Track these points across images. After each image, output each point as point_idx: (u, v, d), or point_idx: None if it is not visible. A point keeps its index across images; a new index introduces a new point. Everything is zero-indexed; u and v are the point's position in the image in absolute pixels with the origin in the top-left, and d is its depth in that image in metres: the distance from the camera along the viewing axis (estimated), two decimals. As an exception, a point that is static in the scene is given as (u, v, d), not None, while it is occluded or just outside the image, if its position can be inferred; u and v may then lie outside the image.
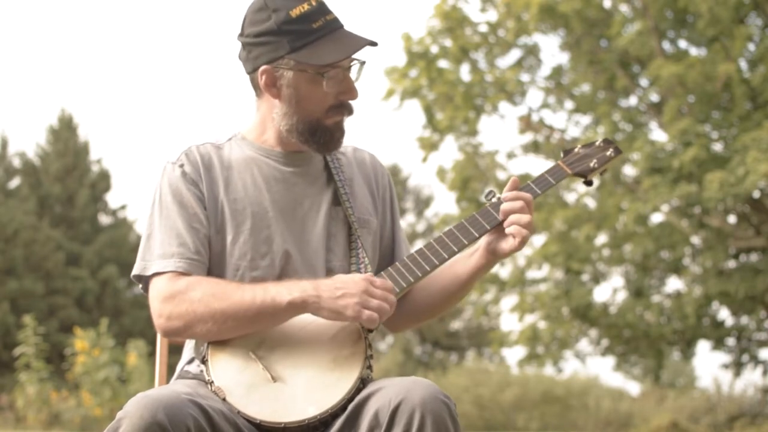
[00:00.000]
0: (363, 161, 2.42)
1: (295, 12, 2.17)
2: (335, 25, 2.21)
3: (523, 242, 2.22)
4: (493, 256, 2.28)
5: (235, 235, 2.21)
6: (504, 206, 2.25)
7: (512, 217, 2.23)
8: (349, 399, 2.03)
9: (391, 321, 2.42)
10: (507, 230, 2.23)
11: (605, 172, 2.41)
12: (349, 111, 2.25)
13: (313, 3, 2.20)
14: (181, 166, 2.24)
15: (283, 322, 2.13)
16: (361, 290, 2.06)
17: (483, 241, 2.28)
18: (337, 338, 2.11)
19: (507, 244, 2.24)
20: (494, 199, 2.27)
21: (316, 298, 2.06)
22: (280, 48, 2.18)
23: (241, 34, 2.25)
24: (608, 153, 2.39)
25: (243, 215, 2.23)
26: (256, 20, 2.21)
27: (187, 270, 2.16)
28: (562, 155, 2.40)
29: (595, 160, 2.38)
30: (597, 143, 2.42)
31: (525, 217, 2.22)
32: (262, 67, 2.21)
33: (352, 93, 2.23)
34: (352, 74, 2.24)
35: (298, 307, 2.08)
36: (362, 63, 2.23)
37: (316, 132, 2.22)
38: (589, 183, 2.39)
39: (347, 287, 2.06)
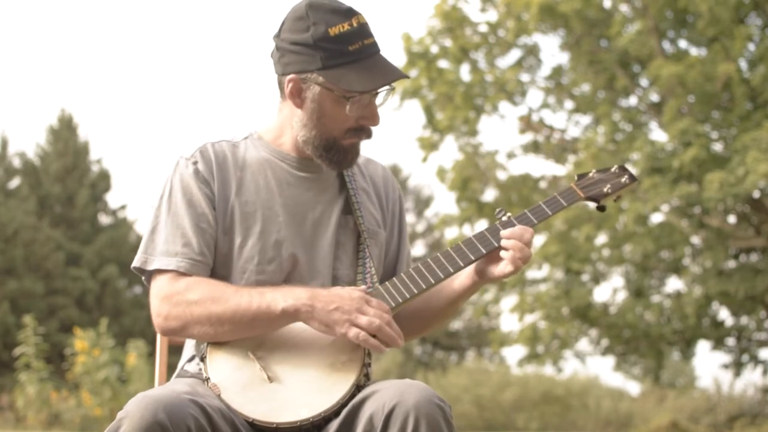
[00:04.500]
0: (375, 173, 2.42)
1: (334, 30, 2.15)
2: (372, 51, 2.19)
3: (516, 271, 2.20)
4: (481, 278, 2.26)
5: (244, 238, 2.21)
6: (514, 230, 2.21)
7: (515, 244, 2.19)
8: (343, 404, 2.04)
9: None
10: (504, 254, 2.20)
11: (619, 198, 2.39)
12: (368, 135, 2.24)
13: (355, 24, 2.17)
14: (195, 163, 2.23)
15: (278, 329, 2.13)
16: (354, 308, 2.06)
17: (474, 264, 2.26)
18: (337, 343, 2.12)
19: (499, 268, 2.21)
20: (504, 218, 2.26)
21: (309, 307, 2.07)
22: (311, 62, 2.16)
23: (277, 36, 2.24)
24: (623, 180, 2.36)
25: (253, 218, 2.22)
26: (294, 28, 2.19)
27: (189, 271, 2.16)
28: (576, 178, 2.38)
29: (609, 186, 2.35)
30: (612, 169, 2.39)
31: (527, 250, 2.19)
32: (291, 75, 2.20)
33: (374, 120, 2.23)
34: (378, 100, 2.22)
35: (290, 315, 2.08)
36: (391, 89, 2.21)
37: (330, 149, 2.22)
38: (601, 208, 2.37)
39: (342, 302, 2.06)
